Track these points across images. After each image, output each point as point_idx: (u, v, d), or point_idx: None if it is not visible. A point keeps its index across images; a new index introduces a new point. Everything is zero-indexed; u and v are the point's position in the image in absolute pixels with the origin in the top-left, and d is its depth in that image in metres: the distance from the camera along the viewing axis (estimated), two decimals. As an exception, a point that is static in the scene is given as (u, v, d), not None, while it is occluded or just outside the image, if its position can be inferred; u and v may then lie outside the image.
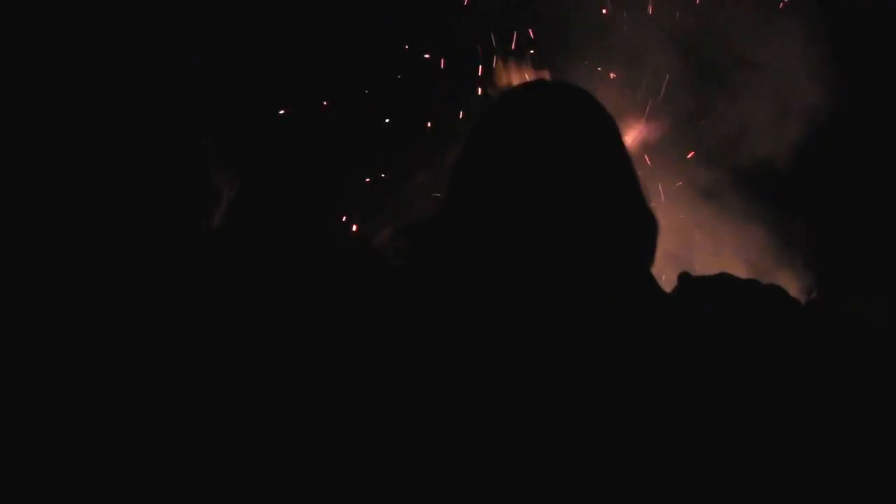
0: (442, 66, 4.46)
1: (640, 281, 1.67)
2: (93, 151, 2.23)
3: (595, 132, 1.70)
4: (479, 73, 4.45)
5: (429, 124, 4.36)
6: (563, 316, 1.61)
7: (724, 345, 1.64)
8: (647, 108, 4.55)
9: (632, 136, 4.46)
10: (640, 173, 1.73)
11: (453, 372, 1.60)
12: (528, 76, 4.43)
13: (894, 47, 4.41)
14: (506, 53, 4.47)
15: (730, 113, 4.50)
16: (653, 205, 1.73)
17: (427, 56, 4.43)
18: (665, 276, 1.76)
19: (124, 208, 2.15)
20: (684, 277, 1.74)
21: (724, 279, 1.72)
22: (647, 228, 1.71)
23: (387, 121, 4.33)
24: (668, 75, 4.51)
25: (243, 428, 1.85)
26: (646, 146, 4.50)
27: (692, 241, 4.49)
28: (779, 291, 1.72)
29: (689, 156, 4.56)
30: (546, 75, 4.21)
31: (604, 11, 4.57)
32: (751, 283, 1.72)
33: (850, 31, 4.40)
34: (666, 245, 1.74)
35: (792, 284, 4.39)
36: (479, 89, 4.35)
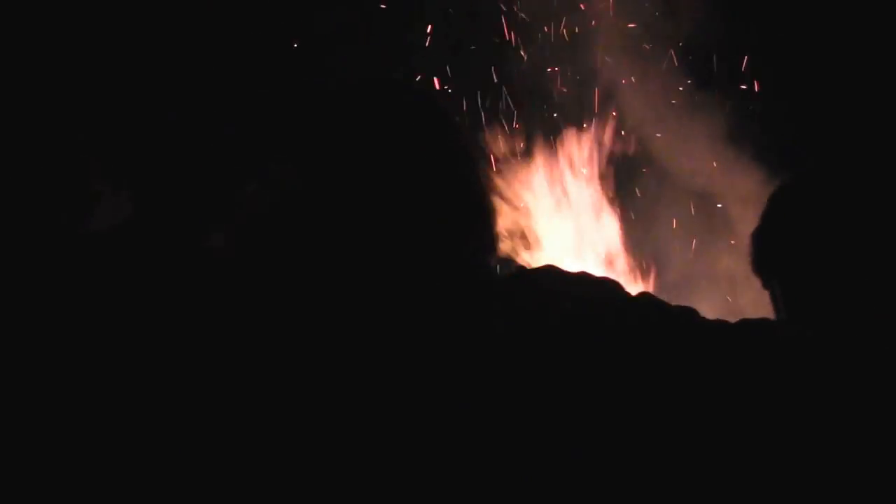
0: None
1: (463, 270, 1.70)
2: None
3: (422, 129, 1.74)
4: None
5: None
6: (379, 307, 1.64)
7: (547, 335, 1.65)
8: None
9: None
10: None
11: (271, 361, 1.62)
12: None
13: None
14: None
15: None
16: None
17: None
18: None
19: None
20: (520, 270, 1.78)
21: (551, 271, 1.75)
22: (478, 219, 1.74)
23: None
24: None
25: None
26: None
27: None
28: (610, 283, 1.74)
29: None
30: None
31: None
32: (581, 276, 1.75)
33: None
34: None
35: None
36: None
